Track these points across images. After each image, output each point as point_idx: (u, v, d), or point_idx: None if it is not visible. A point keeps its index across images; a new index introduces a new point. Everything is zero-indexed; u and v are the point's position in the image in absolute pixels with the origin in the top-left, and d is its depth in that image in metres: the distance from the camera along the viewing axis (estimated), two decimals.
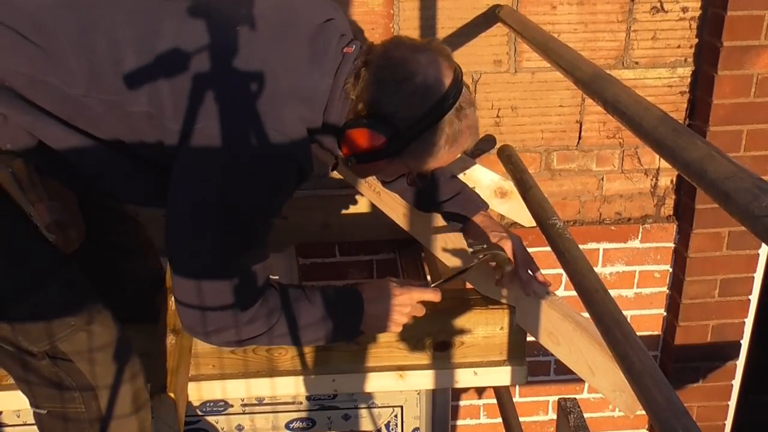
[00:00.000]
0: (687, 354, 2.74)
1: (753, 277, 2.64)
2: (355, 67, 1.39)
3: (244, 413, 2.15)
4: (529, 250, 1.73)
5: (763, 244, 2.57)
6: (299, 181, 1.41)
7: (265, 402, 2.13)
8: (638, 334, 1.23)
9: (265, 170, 1.34)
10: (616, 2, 2.27)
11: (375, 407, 2.18)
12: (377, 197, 1.99)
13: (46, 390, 1.45)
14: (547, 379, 2.89)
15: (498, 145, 2.36)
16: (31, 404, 1.49)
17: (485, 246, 1.65)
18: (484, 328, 1.78)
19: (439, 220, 1.87)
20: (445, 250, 1.87)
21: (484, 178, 2.21)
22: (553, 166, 2.50)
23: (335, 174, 1.89)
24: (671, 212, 2.62)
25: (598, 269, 2.64)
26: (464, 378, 1.82)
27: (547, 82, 2.35)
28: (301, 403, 2.15)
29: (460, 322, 1.77)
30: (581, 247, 1.57)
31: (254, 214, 1.37)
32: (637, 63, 2.36)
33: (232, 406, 2.14)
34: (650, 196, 2.59)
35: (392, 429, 2.22)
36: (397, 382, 1.81)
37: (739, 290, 2.64)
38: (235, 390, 1.78)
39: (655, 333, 2.81)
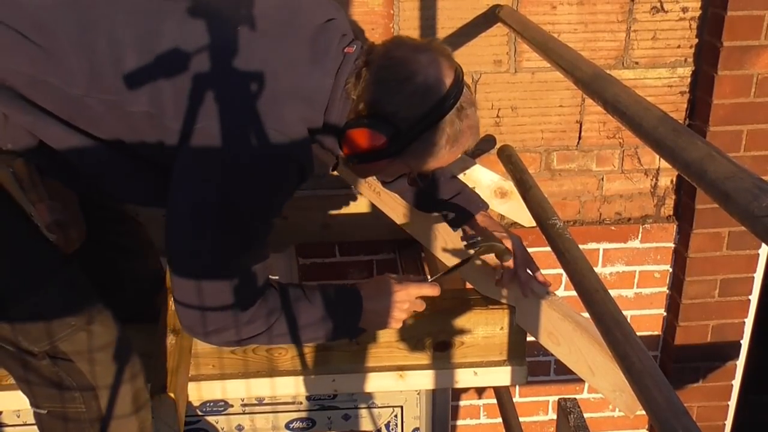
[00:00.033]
0: (687, 354, 2.74)
1: (753, 277, 2.64)
2: (356, 67, 1.39)
3: (244, 413, 2.15)
4: (529, 250, 1.73)
5: (763, 244, 2.57)
6: (300, 181, 1.41)
7: (265, 402, 2.13)
8: (638, 334, 1.23)
9: (265, 170, 1.34)
10: (616, 2, 2.27)
11: (375, 407, 2.18)
12: (377, 197, 1.99)
13: (47, 390, 1.45)
14: (547, 379, 2.89)
15: (498, 145, 2.36)
16: (32, 404, 1.49)
17: (480, 238, 1.65)
18: (484, 328, 1.78)
19: (439, 220, 1.87)
20: (445, 250, 1.87)
21: (484, 178, 2.21)
22: (553, 166, 2.50)
23: (335, 174, 1.89)
24: (671, 212, 2.62)
25: (598, 269, 2.64)
26: (464, 378, 1.82)
27: (547, 82, 2.35)
28: (301, 403, 2.15)
29: (460, 322, 1.77)
30: (581, 247, 1.57)
31: (254, 214, 1.37)
32: (637, 63, 2.36)
33: (232, 406, 2.13)
34: (650, 196, 2.59)
35: (392, 429, 2.22)
36: (397, 382, 1.81)
37: (739, 290, 2.64)
38: (235, 390, 1.78)
39: (655, 333, 2.81)
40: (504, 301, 1.77)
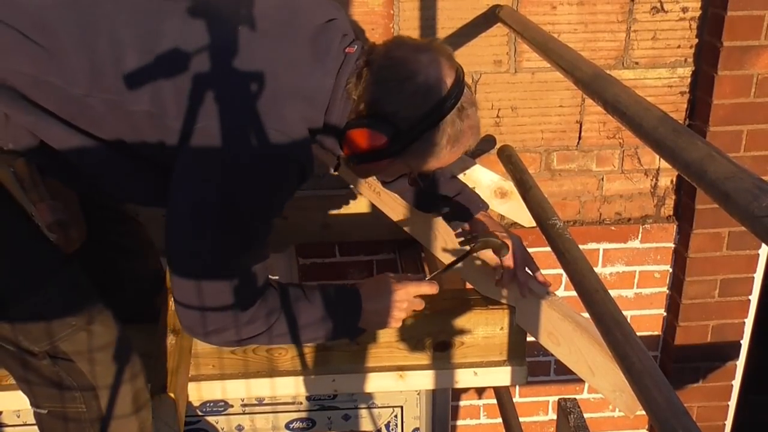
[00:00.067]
0: (687, 354, 2.74)
1: (753, 278, 2.64)
2: (356, 66, 1.39)
3: (244, 413, 2.15)
4: (529, 250, 1.73)
5: (763, 244, 2.57)
6: (300, 181, 1.41)
7: (265, 402, 2.13)
8: (638, 334, 1.23)
9: (266, 170, 1.34)
10: (616, 2, 2.27)
11: (375, 407, 2.18)
12: (377, 197, 1.99)
13: (47, 390, 1.45)
14: (547, 379, 2.89)
15: (498, 145, 2.36)
16: (32, 404, 1.49)
17: (476, 235, 1.65)
18: (484, 329, 1.78)
19: (439, 221, 1.87)
20: (445, 249, 1.87)
21: (484, 178, 2.21)
22: (553, 166, 2.50)
23: (335, 174, 1.89)
24: (671, 212, 2.62)
25: (598, 269, 2.64)
26: (464, 378, 1.82)
27: (547, 82, 2.35)
28: (301, 403, 2.15)
29: (460, 322, 1.77)
30: (581, 247, 1.57)
31: (254, 214, 1.37)
32: (637, 63, 2.36)
33: (232, 406, 2.13)
34: (650, 197, 2.59)
35: (392, 429, 2.22)
36: (397, 383, 1.81)
37: (739, 290, 2.64)
38: (235, 390, 1.78)
39: (655, 333, 2.81)
40: (504, 301, 1.77)
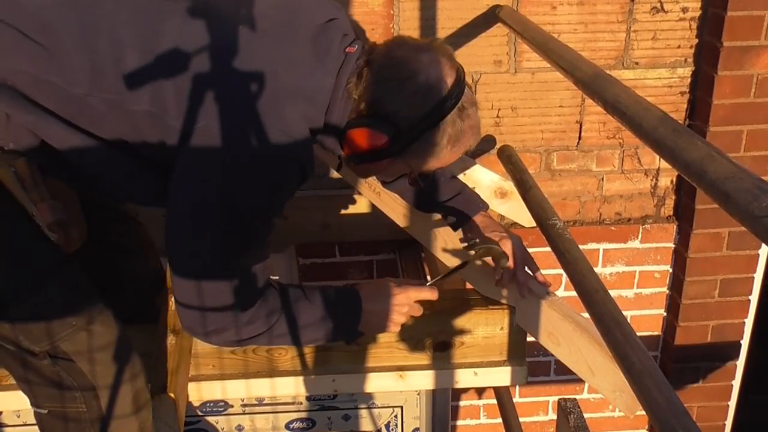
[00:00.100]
0: (687, 354, 2.74)
1: (753, 278, 2.64)
2: (357, 66, 1.39)
3: (244, 413, 2.15)
4: (529, 250, 1.73)
5: (763, 245, 2.57)
6: (300, 181, 1.41)
7: (265, 402, 2.13)
8: (638, 334, 1.23)
9: (266, 170, 1.34)
10: (616, 2, 2.27)
11: (375, 407, 2.18)
12: (377, 197, 1.99)
13: (47, 390, 1.45)
14: (547, 379, 2.89)
15: (498, 146, 2.36)
16: (32, 404, 1.49)
17: (478, 241, 1.65)
18: (484, 329, 1.78)
19: (439, 221, 1.87)
20: (445, 250, 1.87)
21: (484, 178, 2.21)
22: (553, 166, 2.50)
23: (335, 174, 1.89)
24: (671, 212, 2.62)
25: (598, 269, 2.64)
26: (464, 378, 1.82)
27: (547, 82, 2.35)
28: (301, 403, 2.15)
29: (460, 322, 1.77)
30: (581, 247, 1.57)
31: (254, 214, 1.37)
32: (637, 63, 2.36)
33: (232, 406, 2.14)
34: (650, 197, 2.59)
35: (392, 429, 2.22)
36: (397, 383, 1.81)
37: (739, 290, 2.64)
38: (235, 390, 1.78)
39: (655, 333, 2.81)
40: (504, 301, 1.77)
